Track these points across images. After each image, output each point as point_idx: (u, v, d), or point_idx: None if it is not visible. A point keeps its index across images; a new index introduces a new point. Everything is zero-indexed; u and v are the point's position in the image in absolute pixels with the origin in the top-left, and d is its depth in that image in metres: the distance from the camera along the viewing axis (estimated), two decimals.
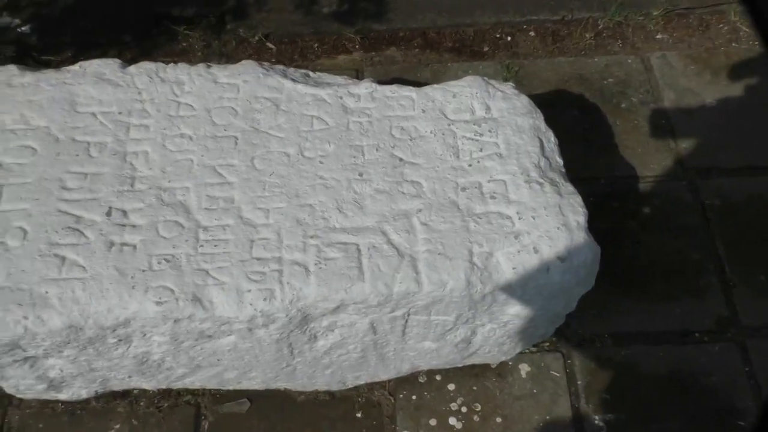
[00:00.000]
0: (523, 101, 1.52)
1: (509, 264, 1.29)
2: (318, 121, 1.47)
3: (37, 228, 1.29)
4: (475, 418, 1.62)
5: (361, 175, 1.40)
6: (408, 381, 1.66)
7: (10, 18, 2.29)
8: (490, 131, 1.47)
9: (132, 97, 1.48)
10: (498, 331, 1.45)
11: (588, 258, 1.32)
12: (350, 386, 1.62)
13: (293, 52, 2.32)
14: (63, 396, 1.50)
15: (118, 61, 1.54)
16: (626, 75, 2.24)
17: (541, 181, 1.39)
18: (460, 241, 1.30)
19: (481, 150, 1.44)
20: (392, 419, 1.62)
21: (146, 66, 1.54)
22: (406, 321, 1.36)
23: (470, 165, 1.41)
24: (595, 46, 2.33)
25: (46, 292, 1.22)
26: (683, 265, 1.85)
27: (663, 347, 1.72)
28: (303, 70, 1.59)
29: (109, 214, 1.32)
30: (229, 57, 2.26)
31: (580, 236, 1.32)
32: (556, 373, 1.68)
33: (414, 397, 1.64)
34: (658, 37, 2.36)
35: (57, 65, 1.97)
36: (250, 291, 1.24)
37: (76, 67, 1.52)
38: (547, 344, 1.72)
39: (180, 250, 1.28)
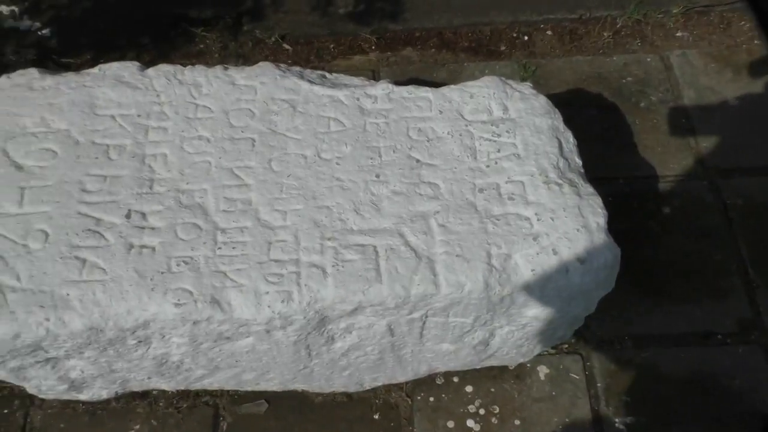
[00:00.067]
0: (541, 101, 1.51)
1: (528, 266, 1.28)
2: (335, 122, 1.47)
3: (57, 230, 1.30)
4: (493, 420, 1.61)
5: (378, 176, 1.39)
6: (425, 383, 1.65)
7: (30, 21, 2.32)
8: (507, 132, 1.45)
9: (150, 99, 1.49)
10: (516, 333, 1.44)
11: (608, 259, 1.31)
12: (368, 388, 1.62)
13: (309, 52, 2.32)
14: (84, 396, 1.51)
15: (136, 63, 1.55)
16: (645, 74, 2.21)
17: (560, 182, 1.38)
18: (478, 242, 1.29)
19: (498, 151, 1.43)
20: (410, 421, 1.61)
21: (164, 68, 1.54)
22: (424, 323, 1.35)
23: (488, 166, 1.40)
24: (614, 45, 2.31)
25: (68, 294, 1.23)
26: (705, 266, 1.83)
27: (684, 349, 1.70)
28: (320, 72, 1.59)
29: (128, 216, 1.32)
30: (245, 58, 2.27)
31: (600, 237, 1.31)
32: (575, 376, 1.66)
33: (431, 399, 1.64)
34: (677, 35, 2.33)
35: (76, 68, 1.99)
36: (268, 293, 1.24)
37: (95, 70, 1.54)
38: (566, 346, 1.70)
39: (198, 252, 1.28)
